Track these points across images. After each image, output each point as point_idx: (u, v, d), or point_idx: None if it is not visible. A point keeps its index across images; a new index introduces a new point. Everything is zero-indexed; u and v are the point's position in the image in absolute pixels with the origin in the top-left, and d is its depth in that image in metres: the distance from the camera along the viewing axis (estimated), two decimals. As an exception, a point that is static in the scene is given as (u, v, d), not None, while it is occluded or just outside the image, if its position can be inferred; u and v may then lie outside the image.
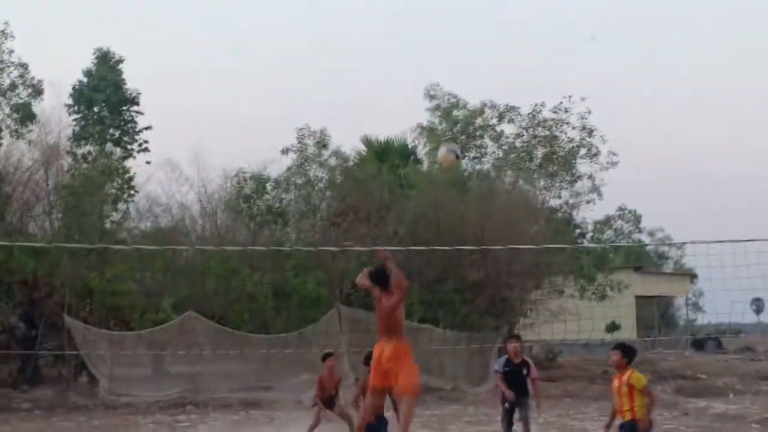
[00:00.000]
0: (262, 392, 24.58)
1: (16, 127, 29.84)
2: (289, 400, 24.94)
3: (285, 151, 32.61)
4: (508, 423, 14.26)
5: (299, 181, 32.14)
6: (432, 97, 36.00)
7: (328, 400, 15.12)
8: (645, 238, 62.51)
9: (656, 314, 59.63)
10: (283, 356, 25.16)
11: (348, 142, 35.61)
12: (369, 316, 26.63)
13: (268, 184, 31.50)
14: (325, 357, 15.42)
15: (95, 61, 37.18)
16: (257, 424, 20.39)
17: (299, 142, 32.59)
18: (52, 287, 26.06)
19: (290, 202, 32.09)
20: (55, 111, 31.24)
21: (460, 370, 26.93)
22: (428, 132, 35.94)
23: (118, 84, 36.78)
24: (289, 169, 32.23)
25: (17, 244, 24.64)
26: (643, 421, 11.05)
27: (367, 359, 14.85)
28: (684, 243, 57.18)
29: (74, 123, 35.53)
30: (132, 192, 30.83)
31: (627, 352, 11.45)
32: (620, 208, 37.48)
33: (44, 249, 25.20)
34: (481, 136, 35.15)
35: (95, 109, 36.24)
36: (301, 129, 32.63)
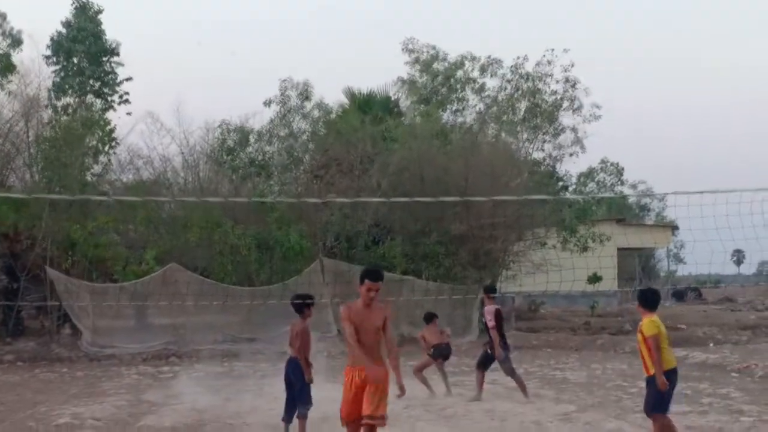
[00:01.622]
0: (245, 344, 24.62)
1: (-5, 77, 29.41)
2: (272, 351, 25.00)
3: (268, 103, 32.34)
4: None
5: (282, 134, 31.95)
6: (411, 51, 35.67)
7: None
8: (627, 191, 62.80)
9: (638, 266, 60.00)
10: (266, 308, 25.16)
11: (331, 95, 35.51)
12: (351, 268, 26.72)
13: (251, 136, 31.32)
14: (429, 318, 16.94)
15: (74, 11, 36.60)
16: (241, 376, 20.43)
17: (282, 94, 32.31)
18: (34, 239, 25.94)
19: (273, 154, 31.93)
20: (35, 62, 30.88)
21: (443, 321, 26.89)
22: (409, 85, 35.70)
23: (97, 34, 36.22)
24: (271, 121, 32.04)
25: (-1, 195, 24.46)
26: (658, 376, 9.66)
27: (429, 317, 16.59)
28: (665, 194, 57.52)
29: (54, 74, 35.06)
30: (113, 144, 30.60)
31: (641, 297, 10.21)
32: (603, 161, 37.62)
33: (25, 201, 25.01)
34: (463, 89, 34.93)
35: (75, 60, 35.71)
36: (284, 81, 32.33)
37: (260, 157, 31.03)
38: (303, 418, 11.41)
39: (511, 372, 15.57)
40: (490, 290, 16.37)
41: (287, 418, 11.60)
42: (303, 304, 11.84)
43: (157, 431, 12.43)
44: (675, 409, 13.07)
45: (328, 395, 11.84)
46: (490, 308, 15.43)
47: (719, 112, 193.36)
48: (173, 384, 18.97)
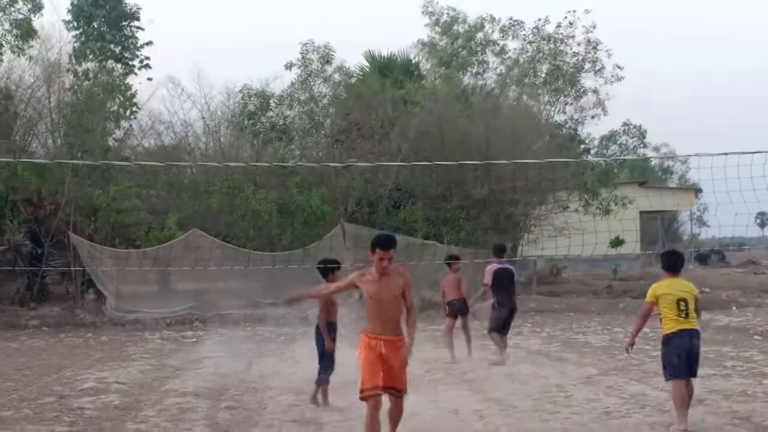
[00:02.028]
0: (267, 308, 24.71)
1: (17, 42, 29.40)
2: (294, 315, 25.14)
3: (289, 66, 31.96)
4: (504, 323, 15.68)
5: (303, 98, 31.76)
6: (430, 14, 35.39)
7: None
8: (650, 153, 62.30)
9: (660, 229, 59.71)
10: (288, 273, 25.23)
11: (351, 59, 35.24)
12: (372, 233, 26.71)
13: (272, 101, 31.18)
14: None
15: (95, -25, 36.55)
16: (264, 340, 20.58)
17: (303, 58, 32.02)
18: (57, 205, 26.10)
19: (294, 119, 31.79)
20: (55, 27, 30.90)
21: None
22: (429, 48, 35.44)
23: (117, -1, 36.23)
24: (292, 85, 31.77)
25: (21, 161, 24.57)
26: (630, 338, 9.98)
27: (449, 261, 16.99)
28: (688, 156, 57.23)
29: (74, 39, 35.08)
30: (134, 109, 30.61)
31: (662, 259, 10.15)
32: (625, 124, 37.27)
33: (48, 166, 25.15)
34: (483, 51, 34.67)
35: (95, 25, 35.77)
36: (305, 44, 32.00)
37: (281, 122, 30.86)
38: (321, 383, 11.41)
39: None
40: (496, 250, 16.43)
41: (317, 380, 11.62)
42: (327, 269, 11.77)
43: (181, 395, 12.50)
44: (701, 372, 13.10)
45: (349, 361, 11.86)
46: (488, 267, 15.67)
47: (744, 73, 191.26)
48: (197, 348, 19.16)
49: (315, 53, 31.89)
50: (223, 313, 25.32)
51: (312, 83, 31.84)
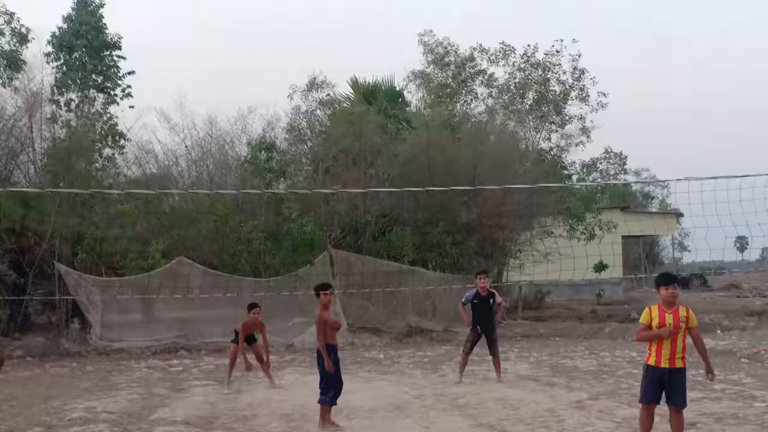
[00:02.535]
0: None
1: (7, 73, 29.45)
2: (280, 343, 25.07)
3: (290, 95, 33.17)
4: (472, 345, 16.32)
5: (300, 126, 32.24)
6: (425, 44, 35.83)
7: (248, 337, 16.70)
8: (631, 179, 62.83)
9: (642, 253, 60.04)
10: (273, 300, 25.18)
11: (334, 87, 35.47)
12: (361, 260, 26.74)
13: (274, 151, 31.22)
14: (251, 308, 16.72)
15: (75, 5, 36.47)
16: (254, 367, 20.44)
17: (308, 89, 32.99)
18: (41, 235, 25.97)
19: (289, 153, 32.05)
20: (36, 58, 30.90)
21: (451, 311, 27.05)
22: (422, 77, 35.76)
23: (99, 28, 36.11)
24: (293, 121, 32.38)
25: (6, 190, 24.46)
26: (710, 367, 9.62)
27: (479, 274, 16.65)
28: (668, 181, 57.78)
29: (55, 70, 34.98)
30: (119, 139, 30.59)
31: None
32: (606, 151, 37.63)
33: (32, 196, 25.05)
34: (473, 81, 35.08)
35: (76, 55, 35.62)
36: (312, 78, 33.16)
37: (274, 166, 30.89)
38: (321, 403, 11.51)
39: (496, 354, 16.51)
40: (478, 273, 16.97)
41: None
42: (315, 294, 11.89)
43: (171, 424, 12.42)
44: (691, 395, 13.14)
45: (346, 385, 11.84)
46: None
47: (720, 99, 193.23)
48: (184, 377, 19.04)
49: (318, 89, 32.86)
50: (208, 341, 25.20)
51: (311, 117, 32.54)
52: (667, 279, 9.43)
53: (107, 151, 30.27)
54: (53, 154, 27.19)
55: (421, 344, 25.53)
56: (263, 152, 29.68)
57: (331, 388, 11.54)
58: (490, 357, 16.48)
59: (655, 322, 9.27)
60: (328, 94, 33.57)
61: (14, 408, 14.52)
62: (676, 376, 9.21)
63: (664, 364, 9.20)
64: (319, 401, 11.56)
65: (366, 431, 11.28)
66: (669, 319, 9.19)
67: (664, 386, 9.23)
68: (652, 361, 9.32)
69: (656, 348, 9.26)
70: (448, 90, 34.87)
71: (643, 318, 9.41)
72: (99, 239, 25.93)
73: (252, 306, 16.74)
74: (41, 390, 17.15)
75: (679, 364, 9.20)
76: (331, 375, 11.53)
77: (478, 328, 16.08)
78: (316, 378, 16.32)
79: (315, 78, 33.30)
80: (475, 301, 16.14)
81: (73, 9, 36.31)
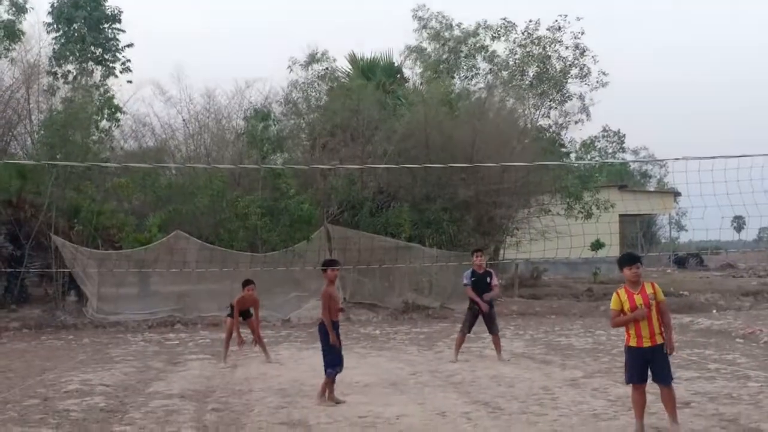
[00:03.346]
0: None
1: (2, 44, 29.31)
2: (277, 318, 25.13)
3: (291, 66, 33.29)
4: (470, 324, 16.19)
5: (297, 98, 32.09)
6: (420, 19, 35.51)
7: (243, 312, 16.68)
8: (629, 157, 62.82)
9: (639, 232, 60.07)
10: (270, 275, 25.19)
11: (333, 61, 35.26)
12: (358, 235, 26.72)
13: (271, 120, 31.13)
14: (245, 284, 16.74)
15: (75, -24, 36.28)
16: (246, 343, 20.47)
17: (308, 61, 32.80)
18: (38, 207, 25.94)
19: (286, 126, 31.91)
20: (35, 29, 30.77)
21: (447, 288, 27.09)
22: (418, 53, 35.50)
23: (98, 0, 35.96)
24: (286, 95, 32.19)
25: (3, 162, 24.41)
26: (671, 342, 9.33)
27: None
28: (665, 160, 57.79)
29: (54, 41, 34.83)
30: (116, 111, 30.50)
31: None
32: (604, 129, 37.53)
33: (29, 168, 25.02)
34: (474, 57, 34.81)
35: (75, 27, 35.48)
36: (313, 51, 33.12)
37: (271, 135, 30.79)
38: (329, 376, 11.61)
39: (495, 332, 16.36)
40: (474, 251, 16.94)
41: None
42: (322, 268, 11.95)
43: (167, 397, 12.45)
44: (685, 374, 13.19)
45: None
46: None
47: (719, 82, 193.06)
48: (180, 350, 19.09)
49: (318, 62, 32.71)
50: (204, 315, 25.24)
51: (309, 89, 32.38)
52: (629, 259, 9.50)
53: (104, 123, 30.18)
54: (49, 125, 27.10)
55: (418, 321, 25.57)
56: (260, 122, 29.66)
57: (335, 362, 11.62)
58: (489, 336, 16.43)
59: (626, 306, 9.29)
60: (327, 69, 33.26)
61: (10, 380, 14.55)
62: (660, 353, 9.23)
63: (647, 343, 9.21)
64: (327, 374, 11.61)
65: (361, 407, 11.30)
66: (638, 299, 9.22)
67: (648, 364, 9.25)
68: (633, 343, 9.33)
69: (635, 329, 9.27)
70: (443, 66, 34.60)
71: (614, 304, 9.43)
72: (96, 212, 25.91)
73: (246, 282, 16.75)
74: (37, 362, 17.19)
75: (659, 340, 9.22)
76: (335, 349, 11.60)
77: (475, 306, 16.00)
78: (312, 353, 16.52)
79: (315, 52, 33.03)
80: (473, 278, 16.06)
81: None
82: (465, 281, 16.24)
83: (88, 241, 25.98)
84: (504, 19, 34.48)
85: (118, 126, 30.75)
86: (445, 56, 34.80)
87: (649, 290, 9.25)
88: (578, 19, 33.63)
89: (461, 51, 34.67)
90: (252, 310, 16.87)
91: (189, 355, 18.13)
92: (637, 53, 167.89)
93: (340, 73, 34.52)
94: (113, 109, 30.44)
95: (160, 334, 22.82)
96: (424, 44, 35.35)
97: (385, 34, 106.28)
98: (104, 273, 25.40)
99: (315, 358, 16.18)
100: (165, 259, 25.24)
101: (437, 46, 35.13)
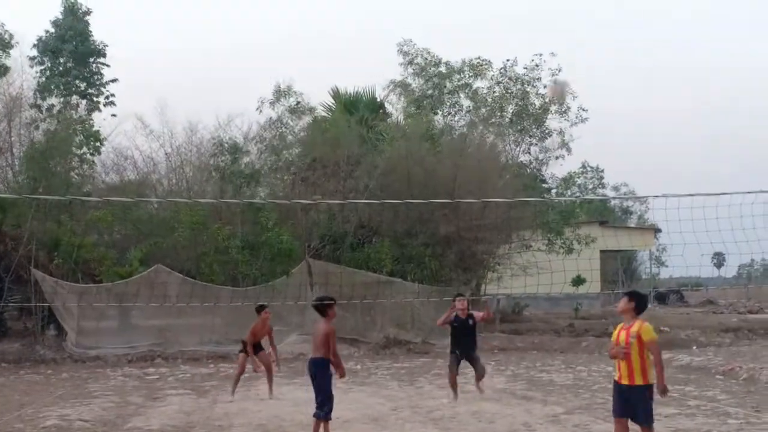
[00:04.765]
0: (231, 345, 24.54)
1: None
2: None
3: (260, 107, 32.71)
4: (456, 367, 15.89)
5: (273, 141, 31.92)
6: (406, 54, 35.69)
7: (256, 345, 16.42)
8: (609, 194, 63.19)
9: (620, 267, 60.29)
10: (250, 309, 25.08)
11: (315, 97, 35.34)
12: (339, 270, 26.69)
13: (243, 155, 31.11)
14: (260, 309, 16.63)
15: (63, 11, 36.46)
16: (227, 378, 20.36)
17: (275, 99, 32.50)
18: (18, 240, 25.81)
19: (263, 161, 31.86)
20: (17, 62, 30.79)
21: (429, 323, 27.06)
22: (402, 88, 35.62)
23: (85, 35, 36.12)
24: (262, 129, 32.06)
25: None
26: (660, 383, 9.11)
27: None
28: (646, 197, 58.24)
29: (39, 74, 34.91)
30: (98, 144, 30.50)
31: (638, 299, 9.43)
32: (583, 165, 37.66)
33: (9, 201, 24.92)
34: (457, 93, 34.96)
35: (61, 60, 35.62)
36: (276, 85, 32.65)
37: (248, 171, 30.75)
38: (316, 417, 11.30)
39: (481, 373, 16.23)
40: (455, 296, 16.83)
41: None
42: (322, 306, 11.65)
43: (146, 433, 12.39)
44: (665, 411, 13.21)
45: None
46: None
47: (697, 115, 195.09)
48: (160, 385, 18.96)
49: (284, 96, 32.35)
50: (185, 350, 25.11)
51: (280, 126, 32.22)
52: (625, 293, 9.65)
53: (85, 152, 30.08)
54: (30, 157, 27.04)
55: (399, 356, 25.54)
56: (231, 155, 29.69)
57: (327, 402, 11.34)
58: (471, 371, 16.28)
59: (613, 338, 9.37)
60: (299, 102, 33.18)
61: (-13, 415, 14.43)
62: (636, 394, 9.12)
63: (624, 381, 9.18)
64: (315, 415, 11.26)
65: (341, 443, 11.26)
66: (622, 336, 9.21)
67: (628, 402, 9.23)
68: (615, 377, 9.38)
69: (616, 364, 9.32)
70: (426, 101, 34.72)
71: (612, 335, 9.55)
72: (76, 245, 25.82)
73: (261, 307, 16.61)
74: (16, 396, 17.07)
75: (638, 381, 9.08)
76: (329, 389, 11.35)
77: (457, 351, 15.82)
78: (293, 388, 16.49)
79: (279, 86, 32.98)
80: (455, 324, 15.92)
81: (61, 14, 36.34)
82: (442, 318, 16.23)
83: (69, 275, 25.85)
84: (478, 57, 34.75)
85: (99, 154, 30.64)
86: (429, 92, 34.88)
87: (634, 329, 9.14)
88: (553, 55, 33.90)
89: (445, 87, 34.78)
90: (263, 343, 16.65)
91: (169, 390, 18.01)
92: (616, 84, 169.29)
93: (321, 108, 34.60)
94: (96, 140, 30.40)
95: (140, 369, 22.67)
96: (409, 79, 35.45)
97: (369, 70, 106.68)
98: (84, 307, 25.25)
99: (296, 392, 16.26)
100: (146, 293, 25.12)
101: (421, 82, 35.24)
